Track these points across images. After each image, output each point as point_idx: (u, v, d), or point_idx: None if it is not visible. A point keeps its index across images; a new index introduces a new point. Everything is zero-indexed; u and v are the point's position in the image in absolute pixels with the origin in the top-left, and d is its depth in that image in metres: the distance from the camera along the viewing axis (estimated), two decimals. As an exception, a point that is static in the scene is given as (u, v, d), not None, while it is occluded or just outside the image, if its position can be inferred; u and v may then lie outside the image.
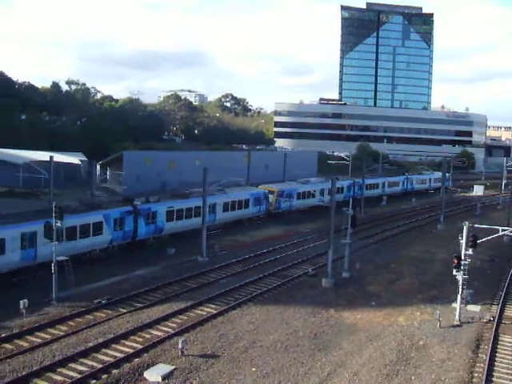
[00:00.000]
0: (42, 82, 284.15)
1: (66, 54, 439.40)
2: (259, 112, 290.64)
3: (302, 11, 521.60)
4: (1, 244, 44.37)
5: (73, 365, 31.45)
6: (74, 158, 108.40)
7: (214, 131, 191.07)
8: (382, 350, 35.43)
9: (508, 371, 33.23)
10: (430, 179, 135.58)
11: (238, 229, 74.16)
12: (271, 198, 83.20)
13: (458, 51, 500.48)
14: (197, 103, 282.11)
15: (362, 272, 54.63)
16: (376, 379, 31.58)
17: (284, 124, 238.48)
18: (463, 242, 40.78)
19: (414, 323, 40.74)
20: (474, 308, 43.90)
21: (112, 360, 32.09)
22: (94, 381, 29.89)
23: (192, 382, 30.34)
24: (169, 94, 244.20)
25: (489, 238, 44.33)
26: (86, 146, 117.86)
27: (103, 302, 41.85)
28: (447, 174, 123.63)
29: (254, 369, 32.16)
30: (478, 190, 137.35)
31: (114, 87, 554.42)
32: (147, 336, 36.01)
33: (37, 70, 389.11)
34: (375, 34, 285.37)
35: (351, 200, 54.72)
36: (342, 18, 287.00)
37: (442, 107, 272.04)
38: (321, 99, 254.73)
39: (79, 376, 30.08)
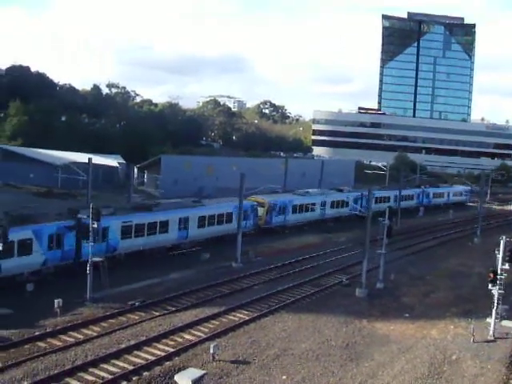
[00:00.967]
0: (82, 84, 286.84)
1: (107, 57, 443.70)
2: (297, 119, 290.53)
3: (341, 19, 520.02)
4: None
5: (104, 365, 31.70)
6: (112, 161, 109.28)
7: (251, 138, 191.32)
8: (413, 363, 35.09)
9: (542, 389, 32.73)
10: (448, 193, 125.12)
11: (275, 236, 74.00)
12: (261, 211, 74.04)
13: (498, 63, 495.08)
14: (235, 109, 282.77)
15: (396, 283, 54.24)
16: (407, 392, 31.34)
17: (322, 132, 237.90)
18: (500, 256, 40.25)
19: (448, 337, 40.28)
20: (509, 324, 43.21)
21: (143, 362, 32.29)
22: (125, 382, 30.11)
23: (222, 388, 30.42)
24: (208, 99, 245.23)
25: (526, 252, 43.67)
26: (125, 149, 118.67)
27: (137, 304, 42.10)
28: (468, 188, 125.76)
29: (284, 377, 32.07)
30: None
31: (153, 91, 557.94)
32: (179, 340, 36.14)
33: (78, 72, 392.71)
34: (416, 43, 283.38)
35: (387, 210, 54.14)
36: (383, 27, 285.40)
37: (482, 119, 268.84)
38: (359, 108, 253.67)
39: (110, 377, 30.32)
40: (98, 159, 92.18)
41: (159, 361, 32.65)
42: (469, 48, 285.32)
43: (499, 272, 40.04)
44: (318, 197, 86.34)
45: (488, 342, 39.55)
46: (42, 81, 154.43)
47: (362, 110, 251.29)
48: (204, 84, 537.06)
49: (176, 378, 30.82)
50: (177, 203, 63.68)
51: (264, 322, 40.71)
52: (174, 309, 41.89)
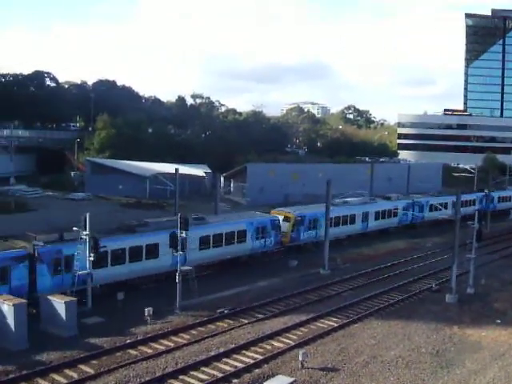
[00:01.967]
0: (167, 96, 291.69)
1: (192, 69, 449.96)
2: (382, 124, 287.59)
3: (423, 20, 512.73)
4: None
5: (194, 373, 32.08)
6: (198, 170, 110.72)
7: (336, 143, 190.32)
8: (507, 370, 34.20)
9: None
10: None
11: (363, 241, 73.50)
12: (286, 226, 64.75)
13: None
14: (319, 115, 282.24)
15: (487, 288, 53.00)
16: (501, 399, 30.61)
17: (407, 136, 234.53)
18: None
19: (543, 343, 39.15)
20: None
21: (232, 370, 32.53)
22: (215, 389, 30.47)
23: (312, 395, 30.37)
24: (292, 106, 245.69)
25: None
26: (211, 158, 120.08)
27: (225, 311, 42.48)
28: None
29: (374, 384, 31.85)
30: None
31: (237, 100, 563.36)
32: (268, 347, 36.25)
33: (163, 84, 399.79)
34: (501, 41, 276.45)
35: (477, 213, 52.93)
36: (466, 26, 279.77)
37: None
38: (445, 110, 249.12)
39: (200, 384, 30.72)
40: (185, 169, 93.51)
41: (248, 368, 32.81)
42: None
43: None
44: (359, 207, 76.59)
45: None
46: (128, 94, 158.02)
47: (448, 112, 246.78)
48: (287, 91, 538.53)
49: (265, 385, 31.02)
50: (170, 221, 49.81)
51: (353, 328, 40.46)
52: (262, 316, 42.10)
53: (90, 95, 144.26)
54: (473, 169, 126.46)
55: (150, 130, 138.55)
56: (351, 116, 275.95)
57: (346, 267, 59.71)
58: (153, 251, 48.49)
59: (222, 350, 35.15)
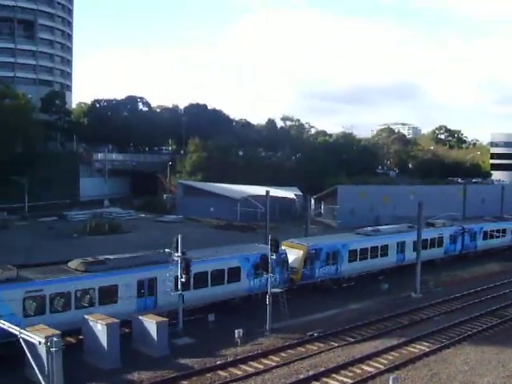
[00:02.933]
0: (258, 118, 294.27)
1: (281, 90, 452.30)
2: (474, 144, 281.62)
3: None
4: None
5: (284, 395, 31.95)
6: (289, 193, 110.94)
7: (427, 164, 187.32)
8: None
9: None
10: None
11: (458, 264, 71.75)
12: (296, 261, 54.47)
13: None
14: (410, 136, 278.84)
15: None
16: None
17: (501, 155, 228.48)
18: None
19: None
20: None
21: (321, 393, 32.25)
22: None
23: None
24: (382, 127, 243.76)
25: None
26: (301, 181, 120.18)
27: (315, 334, 42.19)
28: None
29: (468, 411, 30.93)
30: None
31: (327, 122, 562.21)
32: (358, 371, 35.73)
33: (253, 107, 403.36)
34: None
35: None
36: None
37: None
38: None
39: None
40: (275, 191, 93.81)
41: (338, 392, 32.47)
42: None
43: None
44: (393, 237, 65.55)
45: None
46: (218, 117, 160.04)
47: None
48: (378, 112, 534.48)
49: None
50: (141, 257, 45.01)
51: (445, 354, 39.44)
52: (352, 340, 41.58)
53: (182, 119, 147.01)
54: None
55: (240, 153, 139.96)
56: (442, 136, 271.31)
57: (438, 291, 58.38)
58: (111, 295, 41.40)
59: (311, 373, 34.85)
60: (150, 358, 36.59)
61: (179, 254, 41.39)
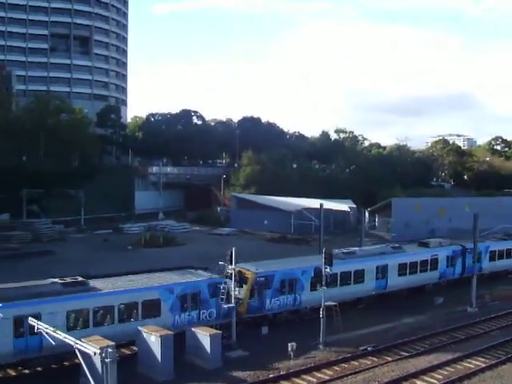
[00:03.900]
0: (311, 131, 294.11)
1: (334, 102, 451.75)
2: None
3: None
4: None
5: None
6: (343, 205, 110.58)
7: (483, 176, 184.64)
8: None
9: None
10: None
11: None
12: (241, 290, 45.85)
13: None
14: (465, 147, 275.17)
15: None
16: None
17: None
18: None
19: None
20: None
21: (375, 408, 31.93)
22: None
23: None
24: (436, 139, 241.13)
25: None
26: (355, 193, 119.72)
27: (369, 348, 41.84)
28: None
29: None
30: None
31: (381, 134, 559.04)
32: (412, 386, 35.37)
33: (307, 119, 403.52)
34: None
35: None
36: None
37: None
38: None
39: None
40: (329, 204, 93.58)
41: (392, 407, 32.12)
42: None
43: None
44: (371, 260, 56.55)
45: None
46: (271, 130, 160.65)
47: None
48: (432, 124, 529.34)
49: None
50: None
51: (501, 369, 38.55)
52: (406, 354, 41.02)
53: (236, 132, 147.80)
54: None
55: (294, 166, 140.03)
56: (498, 147, 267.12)
57: (494, 305, 57.36)
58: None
59: (365, 387, 34.62)
60: (203, 370, 36.74)
61: (233, 266, 41.63)
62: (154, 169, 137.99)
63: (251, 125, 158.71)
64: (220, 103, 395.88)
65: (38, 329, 26.18)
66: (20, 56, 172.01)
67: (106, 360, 22.56)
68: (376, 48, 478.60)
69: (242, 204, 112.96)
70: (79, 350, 23.99)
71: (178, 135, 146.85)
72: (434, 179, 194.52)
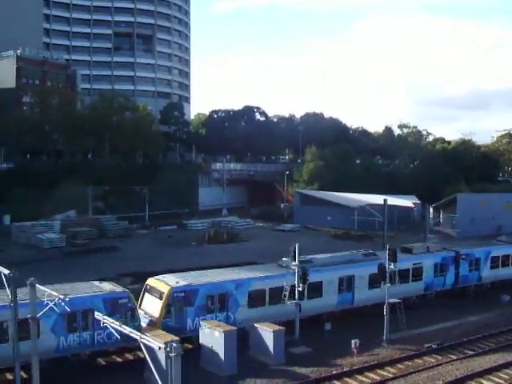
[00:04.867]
0: (374, 126, 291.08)
1: (398, 97, 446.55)
2: None
3: None
4: None
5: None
6: (407, 201, 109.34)
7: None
8: None
9: None
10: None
11: None
12: (155, 307, 40.40)
13: None
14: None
15: None
16: None
17: None
18: None
19: None
20: None
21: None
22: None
23: None
24: (503, 133, 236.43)
25: None
26: (419, 189, 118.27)
27: (433, 346, 41.41)
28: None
29: None
30: None
31: (445, 129, 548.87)
32: (476, 386, 34.87)
33: (370, 114, 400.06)
34: None
35: None
36: None
37: None
38: None
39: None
40: (393, 200, 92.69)
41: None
42: None
43: None
44: (333, 270, 48.17)
45: None
46: (335, 126, 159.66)
47: None
48: (498, 118, 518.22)
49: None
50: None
51: None
52: (472, 353, 40.49)
53: (299, 128, 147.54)
54: None
55: (357, 161, 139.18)
56: None
57: None
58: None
59: (428, 386, 34.24)
60: (265, 365, 36.98)
61: (296, 263, 41.66)
62: (218, 165, 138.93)
63: (314, 120, 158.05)
64: (282, 99, 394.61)
65: (103, 323, 26.50)
66: (85, 55, 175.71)
67: (171, 354, 22.79)
68: (439, 42, 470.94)
69: (305, 200, 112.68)
70: (144, 344, 24.32)
71: (240, 132, 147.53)
72: (500, 174, 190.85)
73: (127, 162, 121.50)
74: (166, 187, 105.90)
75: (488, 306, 53.83)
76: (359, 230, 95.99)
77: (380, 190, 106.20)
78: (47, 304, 27.33)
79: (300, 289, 42.00)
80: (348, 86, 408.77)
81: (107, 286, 39.32)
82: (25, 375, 31.01)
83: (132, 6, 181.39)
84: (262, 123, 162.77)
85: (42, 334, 33.06)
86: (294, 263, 41.85)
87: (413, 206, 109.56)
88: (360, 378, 35.71)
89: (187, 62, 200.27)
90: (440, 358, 39.39)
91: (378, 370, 36.94)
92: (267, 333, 38.11)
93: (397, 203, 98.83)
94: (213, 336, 36.35)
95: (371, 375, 36.12)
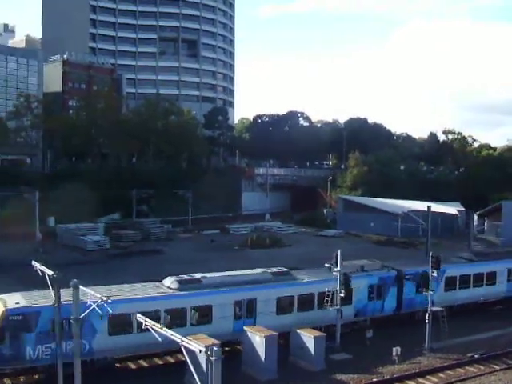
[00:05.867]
0: (419, 132, 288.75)
1: (442, 103, 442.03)
2: None
3: None
4: None
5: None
6: (451, 208, 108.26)
7: None
8: None
9: None
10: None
11: None
12: None
13: None
14: None
15: None
16: None
17: None
18: None
19: None
20: None
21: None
22: None
23: None
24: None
25: None
26: (464, 196, 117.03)
27: (476, 356, 40.86)
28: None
29: None
30: None
31: (491, 135, 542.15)
32: (521, 398, 34.34)
33: (414, 120, 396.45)
34: None
35: None
36: None
37: None
38: None
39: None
40: (437, 207, 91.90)
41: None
42: None
43: None
44: (228, 291, 40.88)
45: None
46: (379, 131, 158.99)
47: None
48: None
49: None
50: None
51: None
52: (515, 363, 39.97)
53: (342, 133, 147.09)
54: None
55: (401, 167, 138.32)
56: None
57: None
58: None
59: (471, 396, 33.81)
60: (306, 371, 36.94)
61: (338, 268, 41.47)
62: (261, 170, 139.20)
63: (358, 125, 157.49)
64: (326, 104, 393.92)
65: (145, 325, 26.74)
66: (130, 60, 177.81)
67: (211, 358, 22.94)
68: (481, 45, 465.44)
69: (348, 206, 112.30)
70: (185, 348, 24.49)
71: (284, 136, 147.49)
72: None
73: (171, 166, 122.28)
74: (209, 191, 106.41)
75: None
76: (402, 236, 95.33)
77: (424, 196, 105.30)
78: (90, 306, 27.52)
79: (342, 295, 41.44)
80: (393, 91, 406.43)
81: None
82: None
83: (177, 11, 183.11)
84: (305, 128, 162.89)
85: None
86: (336, 269, 41.56)
87: (457, 213, 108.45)
88: (399, 386, 35.49)
89: (231, 67, 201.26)
90: (482, 368, 38.87)
91: (419, 379, 36.62)
92: (308, 338, 38.07)
93: (441, 210, 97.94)
94: (254, 340, 36.44)
95: (412, 383, 35.81)
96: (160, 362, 38.97)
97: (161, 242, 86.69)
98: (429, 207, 72.49)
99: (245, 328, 37.93)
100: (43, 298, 34.93)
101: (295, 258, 71.46)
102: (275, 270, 45.52)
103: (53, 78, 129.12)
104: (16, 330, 34.07)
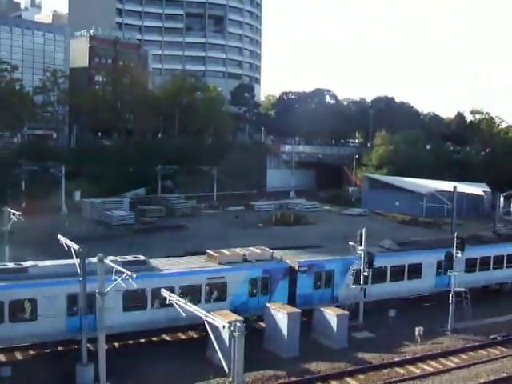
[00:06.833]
0: (446, 112, 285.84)
1: (467, 82, 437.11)
2: None
3: None
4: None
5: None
6: (477, 189, 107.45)
7: None
8: None
9: None
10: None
11: None
12: None
13: None
14: None
15: None
16: None
17: None
18: None
19: None
20: None
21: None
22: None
23: None
24: None
25: None
26: (490, 177, 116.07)
27: (499, 338, 40.72)
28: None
29: None
30: None
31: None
32: (543, 379, 34.13)
33: (442, 100, 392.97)
34: None
35: None
36: None
37: None
38: None
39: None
40: (463, 187, 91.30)
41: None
42: None
43: None
44: (58, 284, 34.62)
45: None
46: (406, 110, 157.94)
47: None
48: None
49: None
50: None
51: None
52: (539, 346, 39.75)
53: (369, 112, 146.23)
54: None
55: (427, 147, 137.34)
56: None
57: None
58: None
59: (491, 378, 33.68)
60: (328, 349, 37.07)
61: (362, 247, 41.42)
62: (287, 147, 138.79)
63: (385, 104, 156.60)
64: (353, 82, 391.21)
65: (169, 300, 26.98)
66: (156, 35, 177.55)
67: (235, 334, 23.12)
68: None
69: (373, 185, 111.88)
70: (208, 323, 24.70)
71: (310, 114, 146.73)
72: None
73: (196, 142, 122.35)
74: (234, 168, 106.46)
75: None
76: (427, 216, 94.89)
77: (450, 176, 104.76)
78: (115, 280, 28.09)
79: (366, 273, 41.50)
80: (421, 69, 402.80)
81: None
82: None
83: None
84: (332, 106, 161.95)
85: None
86: (360, 248, 41.51)
87: (483, 194, 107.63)
88: (422, 366, 35.49)
89: (258, 43, 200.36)
90: (505, 350, 38.77)
91: (441, 359, 36.62)
92: (331, 316, 38.17)
93: (467, 191, 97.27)
94: (276, 317, 36.59)
95: (434, 364, 35.85)
96: (183, 337, 39.29)
97: (185, 218, 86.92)
98: (454, 187, 72.14)
99: (267, 304, 38.08)
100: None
101: (319, 235, 71.51)
102: (131, 257, 38.77)
103: (79, 53, 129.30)
104: None
